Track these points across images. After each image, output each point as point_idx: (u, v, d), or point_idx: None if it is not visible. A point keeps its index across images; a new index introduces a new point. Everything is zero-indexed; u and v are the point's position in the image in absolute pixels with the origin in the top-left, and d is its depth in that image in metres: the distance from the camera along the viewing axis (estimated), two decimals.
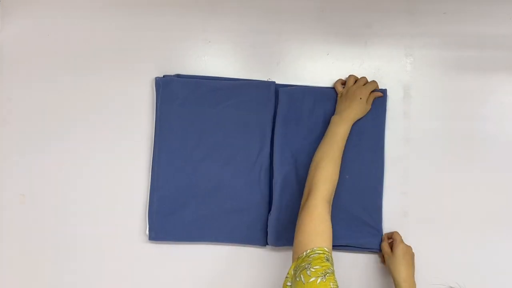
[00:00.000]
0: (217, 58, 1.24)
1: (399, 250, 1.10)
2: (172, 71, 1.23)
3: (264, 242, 1.17)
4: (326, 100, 1.18)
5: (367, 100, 1.15)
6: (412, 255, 1.12)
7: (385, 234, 1.16)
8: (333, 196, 1.05)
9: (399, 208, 1.20)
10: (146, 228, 1.18)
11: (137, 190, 1.22)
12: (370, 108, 1.17)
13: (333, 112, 1.17)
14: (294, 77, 1.23)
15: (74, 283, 1.22)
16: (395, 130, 1.21)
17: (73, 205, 1.22)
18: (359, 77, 1.19)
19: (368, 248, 1.16)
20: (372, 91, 1.18)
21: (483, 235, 1.19)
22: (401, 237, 1.14)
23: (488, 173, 1.20)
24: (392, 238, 1.14)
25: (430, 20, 1.22)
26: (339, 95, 1.18)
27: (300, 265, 0.92)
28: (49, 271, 1.22)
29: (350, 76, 1.19)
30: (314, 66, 1.23)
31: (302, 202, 1.03)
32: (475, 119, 1.21)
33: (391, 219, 1.18)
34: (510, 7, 1.21)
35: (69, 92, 1.23)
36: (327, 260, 0.92)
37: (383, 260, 1.15)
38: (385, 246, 1.13)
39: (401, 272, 1.08)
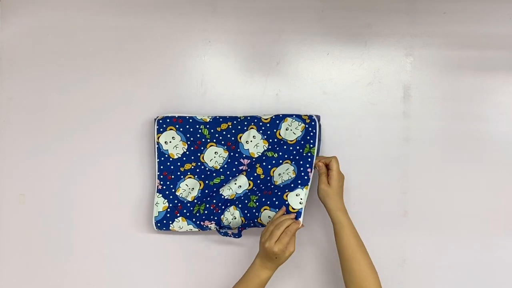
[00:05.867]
0: (217, 58, 1.24)
1: (336, 182, 1.10)
2: (171, 71, 1.23)
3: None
4: None
5: (286, 247, 1.03)
6: (343, 182, 1.12)
7: (318, 161, 1.13)
8: None
9: (399, 207, 1.20)
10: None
11: (137, 190, 1.22)
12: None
13: None
14: (294, 77, 1.23)
15: (74, 283, 1.22)
16: (395, 130, 1.21)
17: (73, 205, 1.23)
18: (274, 225, 1.06)
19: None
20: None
21: (483, 235, 1.19)
22: (337, 165, 1.11)
23: (488, 173, 1.20)
24: (329, 168, 1.11)
25: (430, 20, 1.22)
26: (264, 231, 1.06)
27: None
28: (49, 271, 1.22)
29: (281, 219, 1.07)
30: (314, 66, 1.23)
31: None
32: (475, 119, 1.21)
33: (391, 219, 1.18)
34: (510, 7, 1.21)
35: (69, 92, 1.23)
36: None
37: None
38: (322, 178, 1.11)
39: (337, 202, 1.09)
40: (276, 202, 1.12)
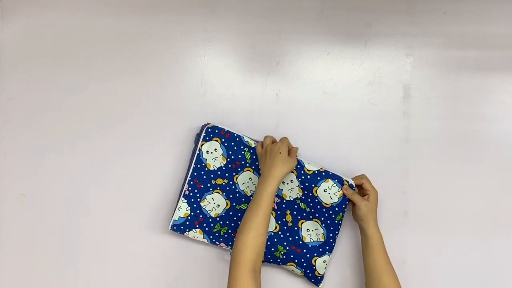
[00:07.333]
0: (217, 58, 1.24)
1: (375, 198, 1.12)
2: (171, 70, 1.23)
3: None
4: None
5: (289, 154, 1.12)
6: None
7: (345, 187, 1.13)
8: (260, 262, 1.02)
9: (399, 207, 1.20)
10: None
11: (137, 190, 1.22)
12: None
13: None
14: (294, 77, 1.23)
15: (75, 283, 1.22)
16: (395, 130, 1.21)
17: (74, 205, 1.22)
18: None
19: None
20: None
21: (483, 235, 1.19)
22: (370, 182, 1.13)
23: (488, 173, 1.20)
24: (364, 188, 1.13)
25: (430, 20, 1.22)
26: (259, 157, 1.15)
27: None
28: (49, 271, 1.22)
29: (266, 136, 1.16)
30: (314, 66, 1.23)
31: (229, 269, 1.01)
32: (475, 119, 1.21)
33: (391, 219, 1.18)
34: (510, 7, 1.21)
35: (69, 92, 1.23)
36: None
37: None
38: (357, 196, 1.12)
39: (376, 217, 1.11)
40: (304, 264, 1.16)
